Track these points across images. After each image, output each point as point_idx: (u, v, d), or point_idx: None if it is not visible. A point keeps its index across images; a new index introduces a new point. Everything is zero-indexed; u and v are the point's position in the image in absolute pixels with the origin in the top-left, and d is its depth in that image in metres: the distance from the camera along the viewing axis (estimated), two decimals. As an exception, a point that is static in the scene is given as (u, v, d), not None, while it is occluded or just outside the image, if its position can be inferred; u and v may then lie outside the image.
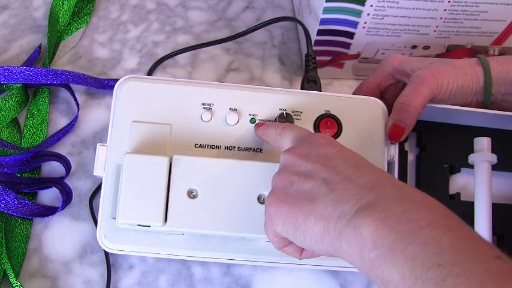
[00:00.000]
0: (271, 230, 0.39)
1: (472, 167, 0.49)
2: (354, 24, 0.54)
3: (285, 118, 0.48)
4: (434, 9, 0.53)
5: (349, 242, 0.33)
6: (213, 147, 0.48)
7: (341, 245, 0.34)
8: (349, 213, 0.34)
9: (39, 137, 0.56)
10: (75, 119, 0.56)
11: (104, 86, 0.58)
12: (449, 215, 0.33)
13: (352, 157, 0.38)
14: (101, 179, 0.47)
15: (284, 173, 0.39)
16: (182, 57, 0.62)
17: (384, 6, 0.52)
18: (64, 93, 0.58)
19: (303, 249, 0.41)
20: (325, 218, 0.35)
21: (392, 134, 0.48)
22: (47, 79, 0.55)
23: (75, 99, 0.56)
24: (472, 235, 0.31)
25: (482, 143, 0.48)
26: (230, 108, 0.49)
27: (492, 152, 0.48)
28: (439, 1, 0.52)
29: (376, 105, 0.50)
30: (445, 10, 0.53)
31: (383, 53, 0.59)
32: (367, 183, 0.35)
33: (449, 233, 0.31)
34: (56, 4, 0.62)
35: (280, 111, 0.48)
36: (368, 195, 0.34)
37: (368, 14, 0.53)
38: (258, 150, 0.48)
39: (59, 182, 0.53)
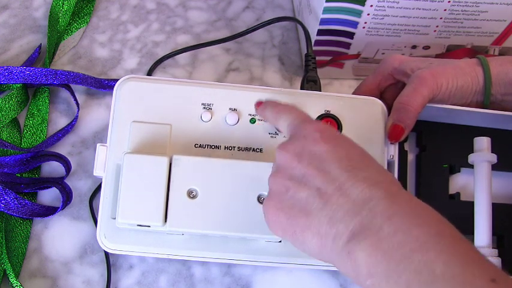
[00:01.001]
0: (272, 231, 0.39)
1: (472, 166, 0.49)
2: (354, 24, 0.54)
3: (285, 118, 0.48)
4: (434, 9, 0.53)
5: (345, 267, 0.34)
6: (213, 147, 0.48)
7: (339, 264, 0.35)
8: (344, 235, 0.34)
9: (39, 137, 0.56)
10: (75, 119, 0.56)
11: (104, 86, 0.58)
12: (441, 231, 0.32)
13: (345, 155, 0.37)
14: (101, 179, 0.47)
15: (279, 176, 0.38)
16: (182, 57, 0.62)
17: (383, 6, 0.52)
18: (64, 93, 0.58)
19: None
20: (321, 235, 0.35)
21: (392, 134, 0.48)
22: (47, 79, 0.55)
23: (75, 99, 0.56)
24: (467, 253, 0.31)
25: (482, 143, 0.48)
26: (230, 108, 0.49)
27: (492, 152, 0.48)
28: (439, 1, 0.52)
29: (376, 105, 0.50)
30: (445, 10, 0.53)
31: (383, 53, 0.59)
32: (359, 196, 0.35)
33: (441, 256, 0.31)
34: (56, 4, 0.62)
35: (280, 111, 0.48)
36: (360, 212, 0.34)
37: (368, 14, 0.53)
38: (258, 150, 0.48)
39: (59, 182, 0.53)
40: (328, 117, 0.49)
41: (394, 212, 0.33)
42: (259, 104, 0.45)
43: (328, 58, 0.60)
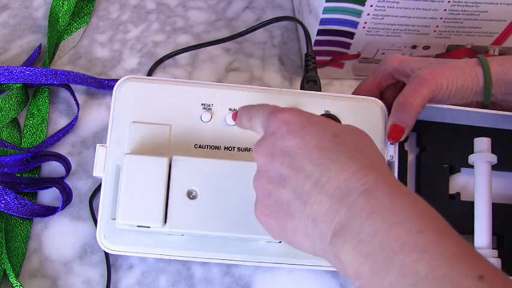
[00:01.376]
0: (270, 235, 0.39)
1: (472, 166, 0.49)
2: (354, 24, 0.54)
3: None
4: (434, 9, 0.53)
5: (336, 267, 0.34)
6: (213, 147, 0.48)
7: (331, 263, 0.35)
8: (327, 236, 0.33)
9: (39, 137, 0.56)
10: (75, 119, 0.56)
11: (104, 86, 0.58)
12: (423, 227, 0.31)
13: (315, 145, 0.35)
14: (101, 179, 0.47)
15: (260, 180, 0.38)
16: (182, 57, 0.62)
17: (383, 6, 0.52)
18: (64, 93, 0.58)
19: None
20: (309, 235, 0.35)
21: (392, 134, 0.48)
22: (47, 79, 0.55)
23: (75, 99, 0.56)
24: (452, 249, 0.30)
25: (482, 143, 0.48)
26: (230, 109, 0.49)
27: (492, 152, 0.48)
28: (439, 1, 0.52)
29: (376, 105, 0.50)
30: (445, 10, 0.53)
31: (383, 53, 0.59)
32: (335, 192, 0.33)
33: (424, 256, 0.29)
34: (56, 4, 0.62)
35: (280, 112, 0.48)
36: (339, 212, 0.33)
37: (368, 14, 0.53)
38: (257, 150, 0.48)
39: (59, 182, 0.53)
40: (328, 117, 0.49)
41: (373, 209, 0.32)
42: (235, 116, 0.44)
43: (328, 58, 0.60)
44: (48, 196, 0.54)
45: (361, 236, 0.32)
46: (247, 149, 0.48)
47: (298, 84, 0.55)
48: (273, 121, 0.37)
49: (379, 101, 0.50)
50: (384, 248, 0.31)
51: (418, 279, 0.29)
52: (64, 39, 0.61)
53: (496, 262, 0.47)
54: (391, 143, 0.49)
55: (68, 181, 0.54)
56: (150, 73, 0.60)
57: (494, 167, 0.49)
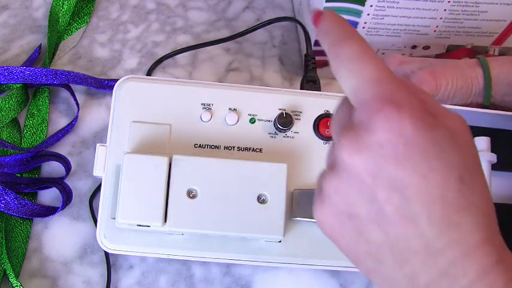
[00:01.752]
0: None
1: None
2: (354, 24, 0.54)
3: (285, 118, 0.48)
4: (434, 9, 0.53)
5: None
6: (213, 147, 0.48)
7: None
8: None
9: (39, 137, 0.56)
10: (75, 119, 0.56)
11: (104, 86, 0.58)
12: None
13: (440, 195, 0.27)
14: (101, 179, 0.47)
15: (343, 187, 0.28)
16: (182, 57, 0.62)
17: (383, 6, 0.52)
18: (64, 93, 0.58)
19: None
20: (391, 284, 0.29)
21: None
22: (47, 79, 0.55)
23: (75, 99, 0.56)
24: None
25: (482, 143, 0.48)
26: (230, 108, 0.49)
27: (492, 152, 0.48)
28: (439, 1, 0.52)
29: (376, 105, 0.50)
30: (445, 10, 0.53)
31: (383, 53, 0.59)
32: (446, 269, 0.27)
33: None
34: (56, 4, 0.62)
35: (280, 111, 0.48)
36: (441, 283, 0.27)
37: (368, 14, 0.53)
38: (257, 150, 0.48)
39: (59, 182, 0.53)
40: (328, 117, 0.49)
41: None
42: (317, 18, 0.31)
43: (328, 58, 0.60)
44: (48, 196, 0.54)
45: None
46: (247, 149, 0.48)
47: (298, 84, 0.55)
48: (382, 124, 0.27)
49: (379, 101, 0.50)
50: None
51: None
52: (64, 39, 0.61)
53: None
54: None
55: (68, 181, 0.54)
56: (149, 73, 0.60)
57: (494, 167, 0.49)
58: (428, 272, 0.27)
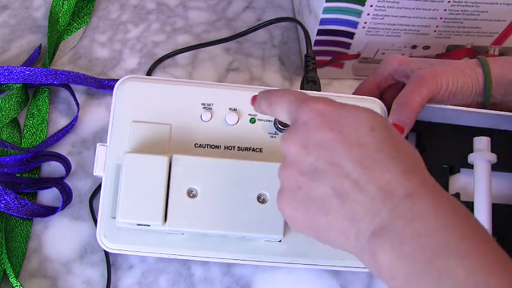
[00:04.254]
0: (294, 230, 0.38)
1: (471, 167, 0.49)
2: (354, 24, 0.54)
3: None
4: (434, 9, 0.53)
5: (369, 266, 0.33)
6: (213, 147, 0.48)
7: (363, 261, 0.34)
8: (365, 235, 0.33)
9: (39, 137, 0.56)
10: (75, 119, 0.56)
11: (104, 86, 0.58)
12: (465, 233, 0.31)
13: (355, 140, 0.34)
14: (101, 179, 0.47)
15: (289, 170, 0.36)
16: (182, 57, 0.62)
17: (384, 6, 0.52)
18: (64, 93, 0.58)
19: None
20: (344, 233, 0.34)
21: (392, 134, 0.48)
22: (47, 79, 0.55)
23: (75, 99, 0.56)
24: (492, 257, 0.30)
25: (482, 143, 0.48)
26: (230, 108, 0.49)
27: (492, 152, 0.48)
28: (439, 1, 0.52)
29: (376, 105, 0.50)
30: (445, 10, 0.53)
31: (383, 53, 0.59)
32: (377, 194, 0.33)
33: (464, 262, 0.30)
34: (56, 4, 0.62)
35: (280, 111, 0.48)
36: (380, 213, 0.32)
37: (368, 14, 0.53)
38: (257, 150, 0.48)
39: (59, 182, 0.53)
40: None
41: (417, 213, 0.32)
42: (253, 100, 0.42)
43: (328, 58, 0.60)
44: (48, 196, 0.54)
45: (401, 237, 0.31)
46: (247, 149, 0.48)
47: (298, 84, 0.55)
48: (305, 110, 0.36)
49: (379, 101, 0.50)
50: (424, 251, 0.31)
51: (455, 284, 0.29)
52: (64, 39, 0.61)
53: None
54: (391, 143, 0.49)
55: (68, 181, 0.54)
56: (149, 73, 0.60)
57: (494, 167, 0.49)
58: (364, 202, 0.33)
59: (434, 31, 0.56)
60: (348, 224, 0.34)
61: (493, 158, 0.48)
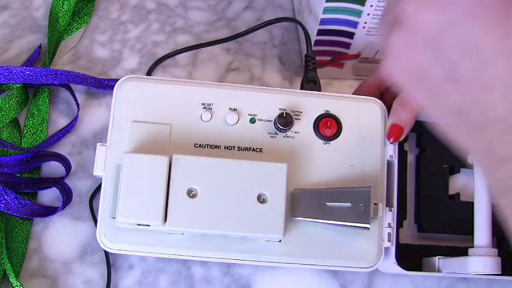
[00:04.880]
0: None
1: (471, 167, 0.49)
2: (354, 24, 0.54)
3: (285, 118, 0.48)
4: (434, 9, 0.53)
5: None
6: (213, 147, 0.48)
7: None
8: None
9: (39, 137, 0.56)
10: (75, 119, 0.56)
11: (104, 86, 0.58)
12: None
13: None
14: (101, 179, 0.47)
15: (411, 53, 0.27)
16: (182, 57, 0.62)
17: (384, 6, 0.52)
18: (64, 93, 0.58)
19: None
20: (470, 147, 0.29)
21: (392, 134, 0.48)
22: (47, 79, 0.55)
23: (75, 99, 0.57)
24: None
25: (482, 143, 0.48)
26: (230, 108, 0.49)
27: (492, 152, 0.48)
28: (439, 1, 0.52)
29: (376, 105, 0.50)
30: (445, 10, 0.53)
31: (383, 53, 0.59)
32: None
33: None
34: (56, 4, 0.62)
35: (280, 111, 0.48)
36: None
37: (368, 14, 0.53)
38: (257, 150, 0.48)
39: (59, 182, 0.53)
40: (328, 117, 0.49)
41: None
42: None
43: (328, 58, 0.60)
44: (48, 196, 0.54)
45: None
46: (247, 149, 0.48)
47: (298, 84, 0.55)
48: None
49: (379, 101, 0.50)
50: None
51: None
52: (64, 39, 0.61)
53: (496, 261, 0.47)
54: (390, 143, 0.49)
55: (68, 181, 0.54)
56: (149, 73, 0.60)
57: (494, 167, 0.48)
58: (506, 146, 0.25)
59: (434, 31, 0.56)
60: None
61: (493, 158, 0.48)
